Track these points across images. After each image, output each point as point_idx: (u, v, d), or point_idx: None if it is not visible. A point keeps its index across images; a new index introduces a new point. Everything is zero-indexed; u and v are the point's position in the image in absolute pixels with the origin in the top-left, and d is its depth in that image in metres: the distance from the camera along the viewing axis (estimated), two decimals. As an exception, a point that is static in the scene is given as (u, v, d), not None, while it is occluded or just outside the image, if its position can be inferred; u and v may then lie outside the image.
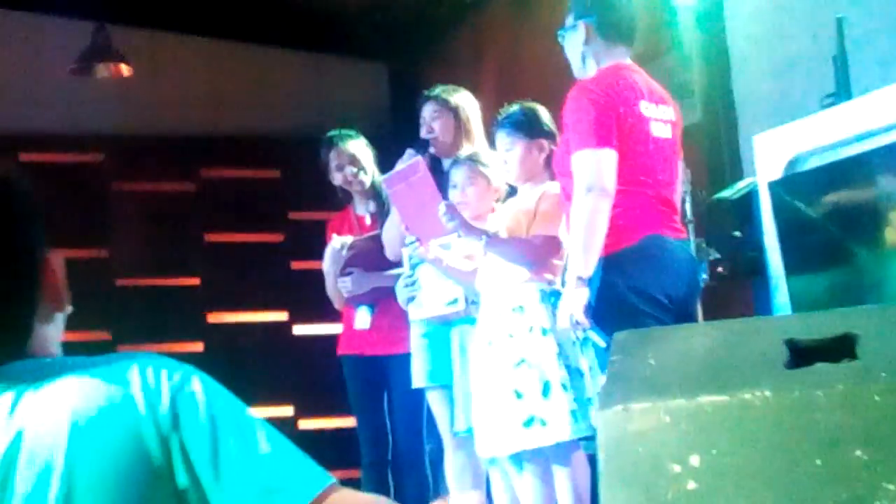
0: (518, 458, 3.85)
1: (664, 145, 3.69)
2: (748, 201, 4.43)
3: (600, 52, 3.75)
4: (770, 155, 4.09)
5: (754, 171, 4.28)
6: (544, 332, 3.79)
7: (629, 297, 3.50)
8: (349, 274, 4.82)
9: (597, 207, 3.44)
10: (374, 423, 4.94)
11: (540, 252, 3.89)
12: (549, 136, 4.06)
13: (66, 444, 1.26)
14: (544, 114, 4.11)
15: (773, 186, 3.96)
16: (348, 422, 5.13)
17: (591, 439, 3.66)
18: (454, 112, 4.56)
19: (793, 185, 3.92)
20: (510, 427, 3.74)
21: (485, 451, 3.94)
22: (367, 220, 5.04)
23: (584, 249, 3.44)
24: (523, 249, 3.91)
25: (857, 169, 3.69)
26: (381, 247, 4.66)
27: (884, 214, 3.57)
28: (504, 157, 4.08)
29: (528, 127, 4.04)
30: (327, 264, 4.90)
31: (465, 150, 4.43)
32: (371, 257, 4.74)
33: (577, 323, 3.46)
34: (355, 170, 5.01)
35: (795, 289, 3.87)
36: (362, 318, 4.88)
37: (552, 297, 3.82)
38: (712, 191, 4.71)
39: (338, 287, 4.86)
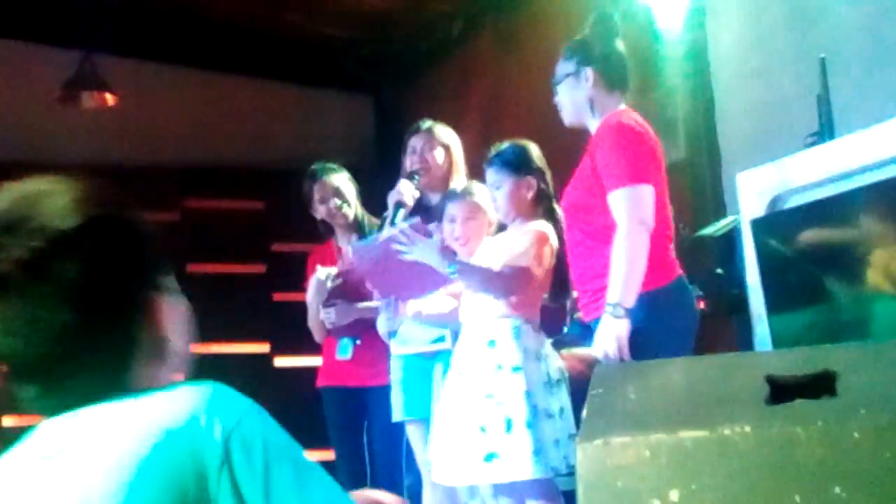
0: (494, 492, 3.83)
1: (667, 188, 3.78)
2: (731, 239, 4.44)
3: (603, 99, 3.81)
4: (753, 193, 4.11)
5: (737, 209, 4.29)
6: (514, 368, 3.77)
7: (662, 335, 3.54)
8: (332, 305, 4.81)
9: (642, 241, 3.55)
10: (353, 455, 4.90)
11: (508, 283, 3.86)
12: (539, 173, 4.06)
13: (121, 483, 1.26)
14: (535, 151, 4.10)
15: (756, 224, 3.97)
16: (329, 454, 5.10)
17: (570, 475, 3.64)
18: (446, 146, 4.57)
19: (775, 224, 3.93)
20: (470, 460, 3.72)
21: (441, 479, 3.91)
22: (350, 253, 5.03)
23: (628, 281, 3.52)
24: (491, 278, 3.89)
25: (840, 208, 3.70)
26: (363, 279, 4.65)
27: (865, 254, 3.58)
28: (493, 194, 4.08)
29: (517, 164, 4.04)
30: (311, 295, 4.88)
31: (455, 184, 4.42)
32: (354, 289, 4.73)
33: (619, 352, 3.49)
34: (339, 202, 5.00)
35: (777, 326, 3.87)
36: (344, 350, 4.87)
37: (591, 331, 3.82)
38: (695, 228, 4.73)
39: (320, 318, 4.84)
